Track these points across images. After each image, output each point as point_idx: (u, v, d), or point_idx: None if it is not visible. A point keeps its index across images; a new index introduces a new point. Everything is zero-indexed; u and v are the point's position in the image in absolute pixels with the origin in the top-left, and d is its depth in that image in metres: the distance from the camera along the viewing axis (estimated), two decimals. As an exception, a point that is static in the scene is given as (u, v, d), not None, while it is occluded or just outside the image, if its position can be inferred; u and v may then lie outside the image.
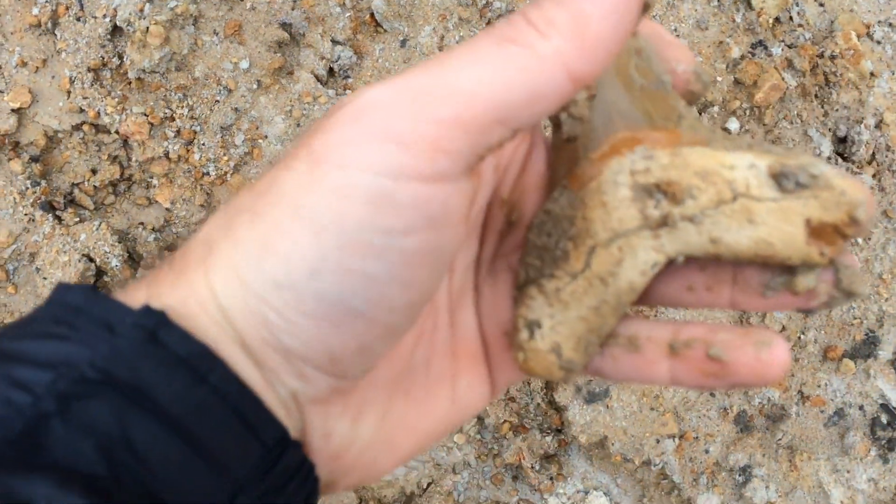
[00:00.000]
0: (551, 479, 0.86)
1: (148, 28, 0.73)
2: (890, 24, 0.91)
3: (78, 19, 0.76)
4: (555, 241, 0.29)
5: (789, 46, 0.84)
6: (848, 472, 0.83)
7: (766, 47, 0.83)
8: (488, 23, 0.82)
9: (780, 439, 0.83)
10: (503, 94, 0.24)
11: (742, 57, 0.82)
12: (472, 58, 0.24)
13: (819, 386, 0.84)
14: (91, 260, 0.76)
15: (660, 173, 0.27)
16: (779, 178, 0.26)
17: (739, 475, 0.82)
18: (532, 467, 0.85)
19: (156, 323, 0.24)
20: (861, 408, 0.85)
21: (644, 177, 0.28)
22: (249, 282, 0.25)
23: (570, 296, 0.29)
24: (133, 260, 0.79)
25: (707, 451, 0.82)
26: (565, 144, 0.30)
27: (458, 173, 0.25)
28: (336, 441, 0.28)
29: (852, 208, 0.26)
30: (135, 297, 0.26)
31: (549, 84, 0.24)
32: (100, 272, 0.77)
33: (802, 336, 0.84)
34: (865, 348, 0.84)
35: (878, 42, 0.90)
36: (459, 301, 0.32)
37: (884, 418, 0.84)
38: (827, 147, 0.84)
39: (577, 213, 0.29)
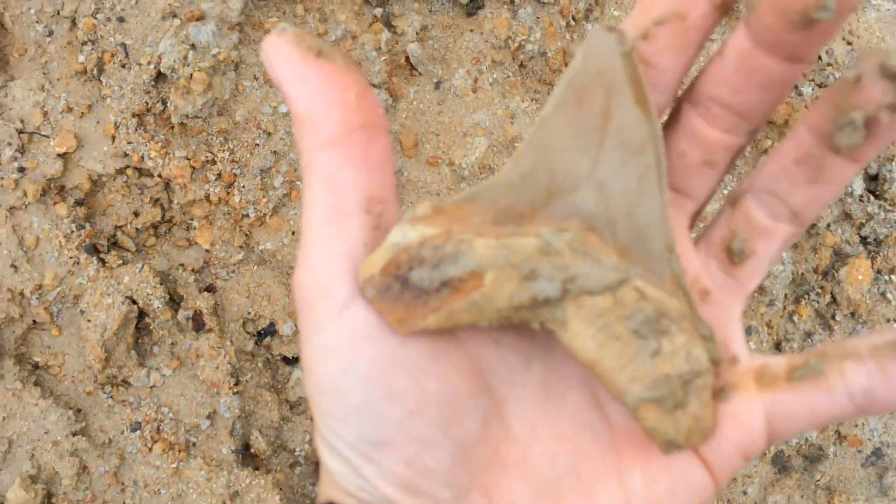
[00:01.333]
0: None
1: (192, 74, 0.75)
2: (919, 62, 0.92)
3: (123, 66, 0.78)
4: None
5: (819, 85, 0.84)
6: (887, 511, 0.83)
7: (796, 86, 0.84)
8: (521, 65, 0.83)
9: (818, 480, 0.83)
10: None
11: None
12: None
13: (856, 426, 0.84)
14: (134, 302, 0.77)
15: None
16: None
17: (777, 515, 0.82)
18: None
19: None
20: (898, 446, 0.84)
21: None
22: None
23: None
24: (174, 301, 0.81)
25: (745, 493, 0.82)
26: None
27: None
28: None
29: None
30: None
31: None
32: (142, 314, 0.79)
33: (838, 374, 0.84)
34: (902, 386, 0.84)
35: (907, 79, 0.90)
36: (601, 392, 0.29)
37: (922, 457, 0.83)
38: (858, 185, 0.85)
39: None
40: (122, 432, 0.78)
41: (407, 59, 0.83)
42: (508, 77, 0.83)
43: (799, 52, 0.24)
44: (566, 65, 0.84)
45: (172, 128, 0.78)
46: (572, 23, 0.84)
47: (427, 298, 0.25)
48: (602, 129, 0.26)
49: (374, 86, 0.82)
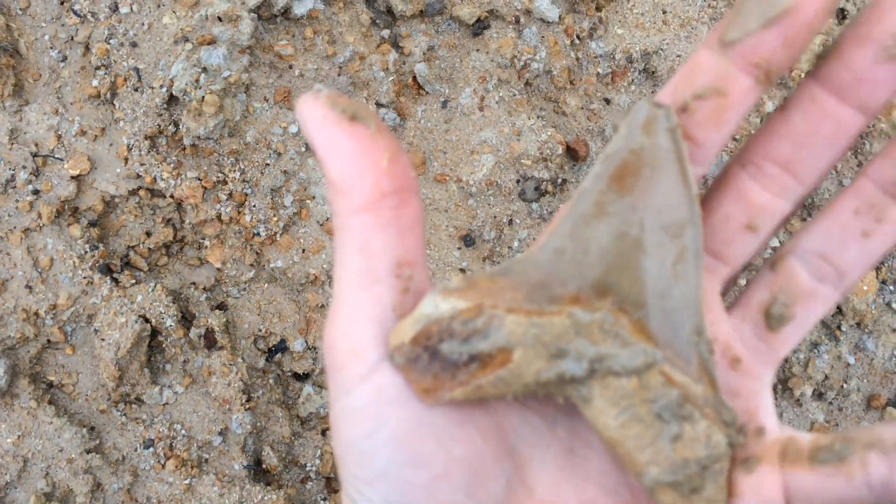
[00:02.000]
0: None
1: (203, 97, 0.76)
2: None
3: (136, 90, 0.79)
4: None
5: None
6: (897, 522, 0.83)
7: (798, 101, 0.85)
8: (526, 83, 0.84)
9: None
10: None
11: (776, 110, 0.84)
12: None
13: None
14: (147, 321, 0.78)
15: None
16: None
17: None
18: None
19: None
20: (908, 457, 0.84)
21: None
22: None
23: None
24: (186, 319, 0.82)
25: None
26: None
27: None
28: None
29: None
30: None
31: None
32: (154, 332, 0.80)
33: (845, 385, 0.84)
34: (910, 397, 0.84)
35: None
36: None
37: (931, 467, 0.83)
38: (862, 197, 0.86)
39: None
40: (136, 449, 0.79)
41: (414, 78, 0.84)
42: (514, 95, 0.85)
43: (873, 96, 0.25)
44: (571, 82, 0.86)
45: (184, 149, 0.79)
46: (577, 41, 0.85)
47: (455, 371, 0.25)
48: (642, 208, 0.26)
49: (382, 105, 0.83)
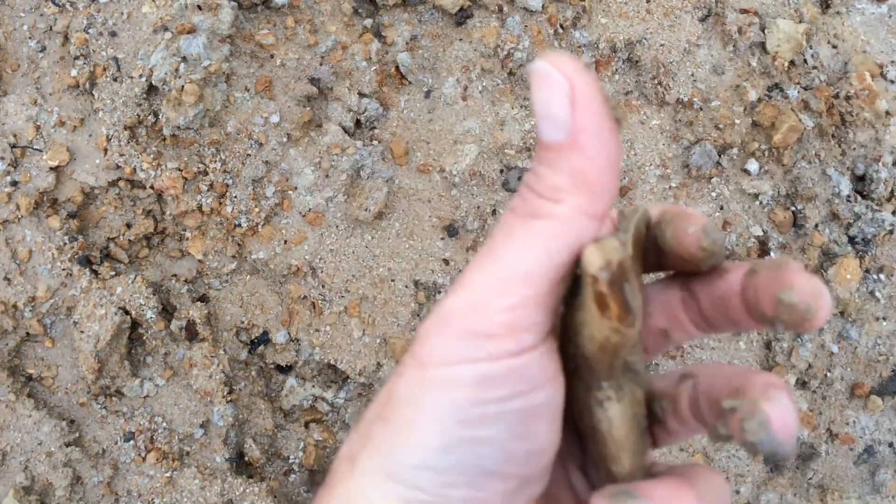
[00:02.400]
0: None
1: (183, 87, 0.76)
2: (902, 64, 0.93)
3: (115, 80, 0.78)
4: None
5: (805, 88, 0.85)
6: (881, 510, 0.83)
7: (782, 90, 0.85)
8: (510, 73, 0.84)
9: (810, 478, 0.83)
10: (551, 261, 0.28)
11: (759, 100, 0.84)
12: (512, 244, 0.28)
13: (847, 424, 0.84)
14: (127, 313, 0.78)
15: None
16: None
17: (772, 516, 0.82)
18: None
19: None
20: (891, 445, 0.85)
21: None
22: (395, 474, 0.28)
23: None
24: (167, 311, 0.81)
25: (738, 492, 0.82)
26: None
27: (540, 339, 0.28)
28: None
29: None
30: None
31: (580, 234, 0.28)
32: (135, 324, 0.79)
33: (829, 373, 0.84)
34: (893, 384, 0.85)
35: (893, 81, 0.91)
36: None
37: (915, 455, 0.84)
38: (846, 186, 0.86)
39: None
40: (116, 442, 0.78)
41: (397, 68, 0.84)
42: (498, 85, 0.84)
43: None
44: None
45: (164, 140, 0.78)
46: (560, 31, 0.85)
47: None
48: None
49: (365, 95, 0.82)
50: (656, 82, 0.85)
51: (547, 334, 0.29)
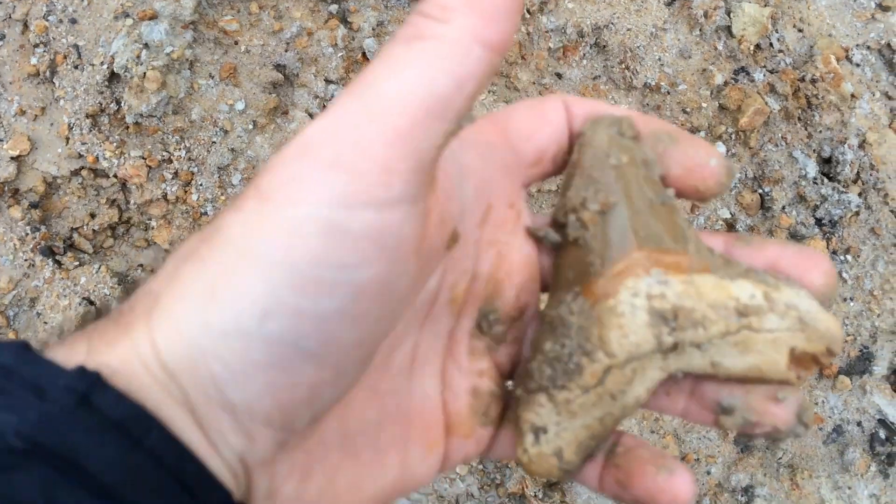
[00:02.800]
0: (555, 506, 0.86)
1: (145, 74, 0.75)
2: (868, 48, 0.93)
3: (76, 67, 0.77)
4: (568, 354, 0.30)
5: (771, 72, 0.86)
6: (849, 488, 0.84)
7: (748, 73, 0.85)
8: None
9: (780, 458, 0.84)
10: (430, 90, 0.24)
11: (726, 83, 0.84)
12: (390, 68, 0.24)
13: (816, 404, 0.85)
14: (91, 303, 0.77)
15: (675, 301, 0.29)
16: (771, 306, 0.29)
17: (742, 495, 0.83)
18: (535, 496, 0.85)
19: (88, 385, 0.23)
20: (859, 424, 0.86)
21: (660, 302, 0.29)
22: (195, 336, 0.23)
23: (579, 407, 0.30)
24: (133, 301, 0.80)
25: (709, 473, 0.82)
26: (571, 246, 0.31)
27: (412, 195, 0.24)
28: (280, 502, 0.26)
29: (831, 343, 0.29)
30: (73, 354, 0.24)
31: (468, 63, 0.24)
32: (99, 314, 0.78)
33: (798, 354, 0.85)
34: (860, 364, 0.86)
35: (858, 65, 0.92)
36: (423, 369, 0.31)
37: (882, 434, 0.85)
38: (812, 168, 0.86)
39: (593, 329, 0.30)
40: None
41: (364, 54, 0.83)
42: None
43: None
44: (522, 57, 0.85)
45: (127, 128, 0.77)
46: (527, 16, 0.85)
47: None
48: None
49: (332, 82, 0.82)
50: (623, 67, 0.85)
51: (418, 196, 0.25)
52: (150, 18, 0.76)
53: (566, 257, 0.32)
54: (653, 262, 0.30)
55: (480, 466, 0.86)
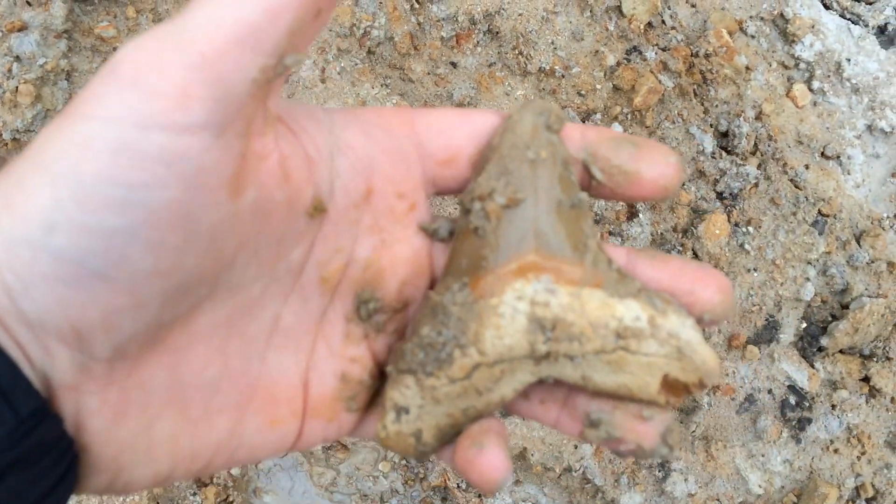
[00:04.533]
0: (479, 496, 0.86)
1: (17, 87, 0.72)
2: (762, 19, 0.95)
3: (-56, 85, 0.74)
4: (442, 343, 0.30)
5: (663, 49, 0.86)
6: (763, 455, 0.86)
7: (640, 52, 0.86)
8: (369, 52, 0.83)
9: (694, 431, 0.85)
10: (241, 18, 0.24)
11: (618, 64, 0.85)
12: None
13: (728, 375, 0.86)
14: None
15: (558, 311, 0.29)
16: (654, 332, 0.30)
17: (658, 471, 0.84)
18: (458, 487, 0.85)
19: None
20: (770, 391, 0.87)
21: (542, 310, 0.29)
22: None
23: (443, 395, 0.30)
24: None
25: (622, 452, 0.83)
26: (470, 234, 0.31)
27: (215, 124, 0.24)
28: (89, 437, 0.26)
29: (705, 376, 0.30)
30: None
31: None
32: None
33: (706, 329, 0.86)
34: (767, 333, 0.87)
35: (753, 36, 0.93)
36: (285, 342, 0.30)
37: (792, 399, 0.86)
38: (710, 143, 0.87)
39: (471, 324, 0.30)
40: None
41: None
42: (357, 65, 0.83)
43: None
44: (415, 48, 0.84)
45: (6, 144, 0.75)
46: (417, 5, 0.84)
47: None
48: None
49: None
50: (517, 52, 0.85)
51: (226, 127, 0.24)
52: (20, 30, 0.73)
53: (464, 244, 0.31)
54: (545, 268, 0.30)
55: (403, 462, 0.86)
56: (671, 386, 0.30)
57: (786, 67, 0.93)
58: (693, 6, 0.91)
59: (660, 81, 0.85)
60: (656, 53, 0.86)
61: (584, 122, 0.84)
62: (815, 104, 0.94)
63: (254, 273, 0.28)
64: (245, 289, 0.28)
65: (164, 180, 0.23)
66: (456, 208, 0.81)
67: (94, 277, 0.23)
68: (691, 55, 0.87)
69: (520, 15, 0.85)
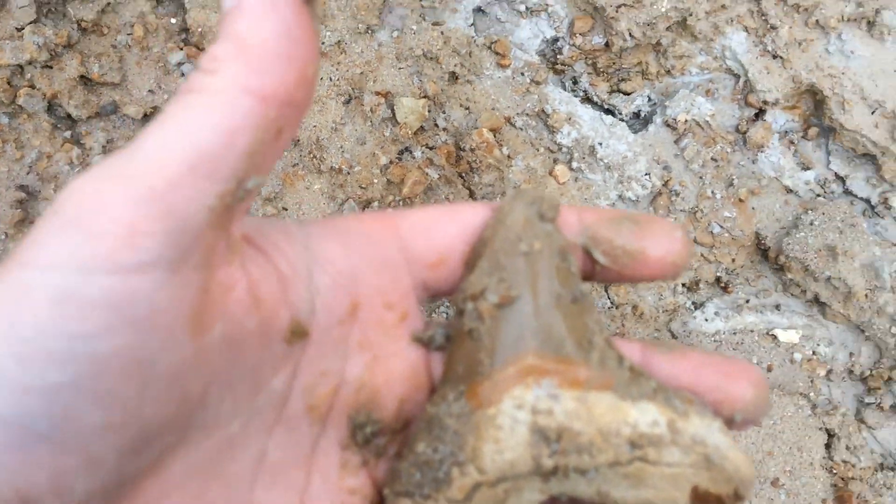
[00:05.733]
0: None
1: None
2: (527, 114, 1.17)
3: None
4: (439, 461, 0.27)
5: (430, 148, 1.08)
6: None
7: (410, 152, 1.08)
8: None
9: None
10: (193, 144, 0.22)
11: (391, 162, 1.06)
12: (157, 124, 0.23)
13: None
14: None
15: (563, 419, 0.27)
16: (675, 438, 0.26)
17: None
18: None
19: None
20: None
21: (545, 419, 0.27)
22: None
23: None
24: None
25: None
26: (466, 337, 0.29)
27: (169, 260, 0.22)
28: None
29: (741, 485, 0.26)
30: None
31: (235, 114, 0.23)
32: None
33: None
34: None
35: (521, 129, 1.15)
36: (273, 480, 0.28)
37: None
38: (474, 219, 1.08)
39: (469, 437, 0.27)
40: None
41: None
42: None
43: None
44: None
45: None
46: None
47: None
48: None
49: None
50: (313, 156, 1.07)
51: (182, 262, 0.22)
52: None
53: (459, 349, 0.29)
54: (546, 370, 0.27)
55: None
56: (702, 499, 0.26)
57: (551, 151, 1.15)
58: (467, 108, 1.13)
59: (426, 174, 1.06)
60: (423, 152, 1.07)
61: (364, 208, 1.06)
62: (575, 180, 1.15)
63: (230, 409, 0.26)
64: (221, 427, 0.26)
65: (111, 327, 0.21)
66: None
67: (38, 439, 0.21)
68: (458, 149, 1.09)
69: (314, 126, 1.07)
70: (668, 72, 1.14)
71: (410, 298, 0.30)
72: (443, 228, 0.30)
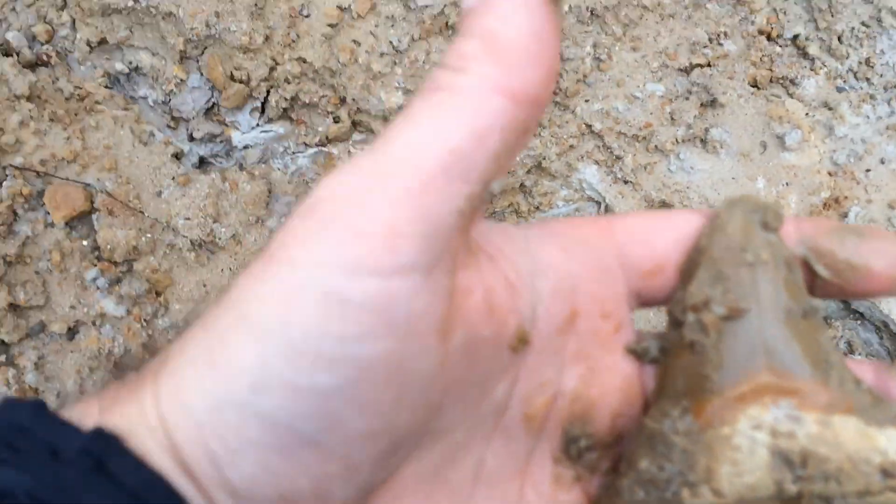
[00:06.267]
0: None
1: None
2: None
3: None
4: (666, 480, 0.26)
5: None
6: None
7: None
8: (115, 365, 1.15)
9: None
10: (446, 144, 0.22)
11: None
12: (405, 122, 0.23)
13: None
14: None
15: (806, 443, 0.25)
16: None
17: None
18: None
19: (104, 449, 0.22)
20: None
21: (787, 442, 0.25)
22: (193, 405, 0.22)
23: None
24: None
25: None
26: (686, 350, 0.28)
27: (425, 263, 0.22)
28: None
29: None
30: (87, 414, 0.23)
31: (486, 114, 0.22)
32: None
33: None
34: None
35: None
36: (491, 491, 0.28)
37: None
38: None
39: (700, 457, 0.26)
40: None
41: (31, 386, 1.14)
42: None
43: None
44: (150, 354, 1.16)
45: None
46: (144, 323, 1.17)
47: None
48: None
49: None
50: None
51: (435, 265, 0.22)
52: None
53: (678, 361, 0.28)
54: (783, 390, 0.26)
55: None
56: None
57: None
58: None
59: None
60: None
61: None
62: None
63: (459, 417, 0.26)
64: (449, 434, 0.26)
65: (374, 331, 0.21)
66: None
67: (305, 443, 0.22)
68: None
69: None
70: (538, 208, 1.24)
71: (625, 308, 0.29)
72: (660, 235, 0.29)
